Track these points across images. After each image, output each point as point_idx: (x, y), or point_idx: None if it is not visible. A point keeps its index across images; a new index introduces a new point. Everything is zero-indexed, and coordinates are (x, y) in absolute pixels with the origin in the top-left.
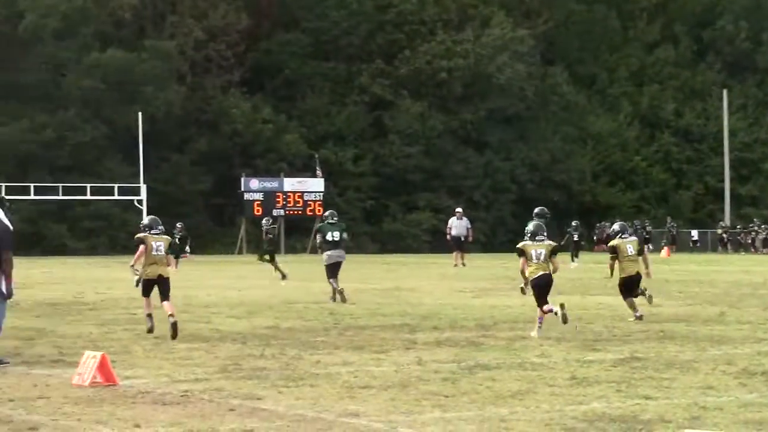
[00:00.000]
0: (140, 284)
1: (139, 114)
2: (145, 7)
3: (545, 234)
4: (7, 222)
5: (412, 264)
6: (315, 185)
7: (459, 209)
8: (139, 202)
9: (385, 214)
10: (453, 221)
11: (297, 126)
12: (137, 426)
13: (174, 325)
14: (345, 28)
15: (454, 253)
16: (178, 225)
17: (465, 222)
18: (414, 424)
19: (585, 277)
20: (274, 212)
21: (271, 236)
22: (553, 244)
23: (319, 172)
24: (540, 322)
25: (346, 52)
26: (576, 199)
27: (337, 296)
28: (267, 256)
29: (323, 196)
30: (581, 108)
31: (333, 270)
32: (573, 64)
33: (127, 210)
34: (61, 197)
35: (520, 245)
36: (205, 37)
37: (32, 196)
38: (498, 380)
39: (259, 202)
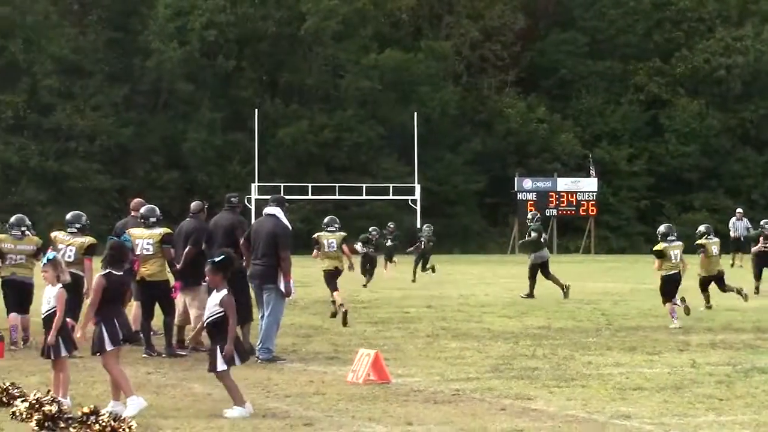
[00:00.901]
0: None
1: (415, 114)
2: (422, 8)
3: (675, 235)
4: (286, 222)
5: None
6: (588, 185)
7: (739, 210)
8: (413, 202)
9: (659, 214)
10: (733, 222)
11: (571, 125)
12: (409, 424)
13: (345, 314)
14: (621, 27)
15: (732, 254)
16: (390, 225)
17: (745, 223)
18: (687, 427)
19: None
20: (547, 212)
21: (432, 244)
22: (682, 244)
23: (592, 172)
24: (673, 315)
25: (622, 51)
26: None
27: (567, 291)
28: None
29: (596, 196)
30: None
31: (538, 270)
32: None
33: (401, 210)
34: (337, 197)
35: (659, 248)
36: (480, 37)
37: (310, 196)
38: None
39: (532, 202)
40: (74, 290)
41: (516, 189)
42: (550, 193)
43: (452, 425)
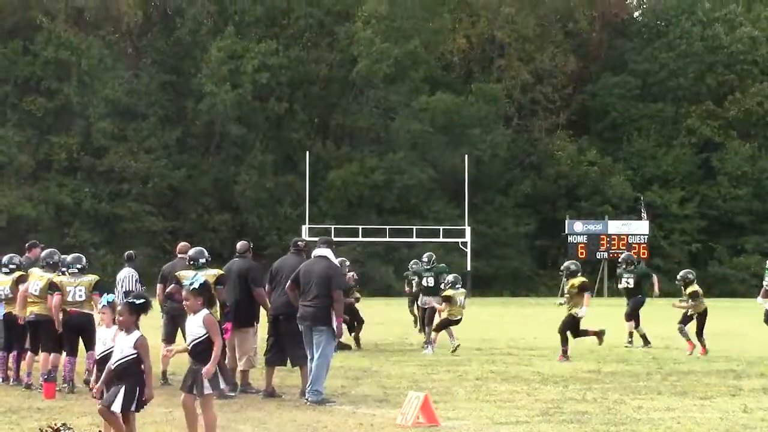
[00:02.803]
0: None
1: (465, 156)
2: (473, 51)
3: (461, 283)
4: (336, 262)
5: (739, 308)
6: (640, 228)
7: None
8: (464, 244)
9: (710, 258)
10: None
11: (623, 168)
12: None
13: None
14: (673, 70)
15: None
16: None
17: None
18: None
19: None
20: (598, 255)
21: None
22: (464, 291)
23: (644, 215)
24: (434, 344)
25: (674, 94)
26: None
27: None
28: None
29: (648, 239)
30: None
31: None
32: None
33: (451, 252)
34: (387, 239)
35: (448, 294)
36: (531, 80)
37: (360, 238)
38: None
39: (583, 245)
40: (89, 329)
41: (567, 231)
42: (601, 236)
43: None
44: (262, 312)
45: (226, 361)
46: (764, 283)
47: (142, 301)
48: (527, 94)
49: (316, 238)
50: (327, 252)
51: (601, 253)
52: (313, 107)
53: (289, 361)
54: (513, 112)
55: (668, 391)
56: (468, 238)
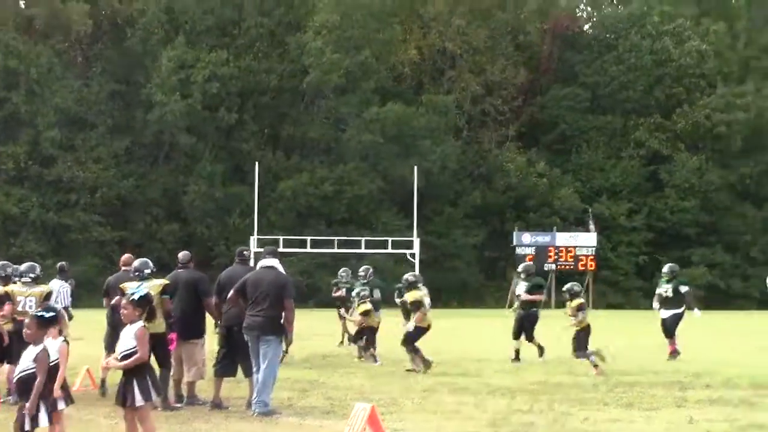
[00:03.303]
0: None
1: (415, 168)
2: (424, 62)
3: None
4: (284, 272)
5: (684, 321)
6: (587, 240)
7: None
8: (412, 255)
9: (657, 270)
10: None
11: (571, 180)
12: None
13: None
14: (622, 82)
15: None
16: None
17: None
18: None
19: None
20: (546, 267)
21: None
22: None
23: (592, 227)
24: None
25: (623, 107)
26: None
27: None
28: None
29: (595, 251)
30: None
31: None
32: None
33: (400, 263)
34: (336, 250)
35: (367, 308)
36: (482, 92)
37: (308, 249)
38: None
39: (531, 257)
40: None
41: (515, 243)
42: (549, 248)
43: None
44: (209, 322)
45: (171, 373)
46: (658, 290)
47: (51, 314)
48: (477, 106)
49: (262, 249)
50: (274, 262)
51: (549, 264)
52: (263, 117)
53: (241, 371)
54: (463, 123)
55: (614, 403)
56: (416, 249)
